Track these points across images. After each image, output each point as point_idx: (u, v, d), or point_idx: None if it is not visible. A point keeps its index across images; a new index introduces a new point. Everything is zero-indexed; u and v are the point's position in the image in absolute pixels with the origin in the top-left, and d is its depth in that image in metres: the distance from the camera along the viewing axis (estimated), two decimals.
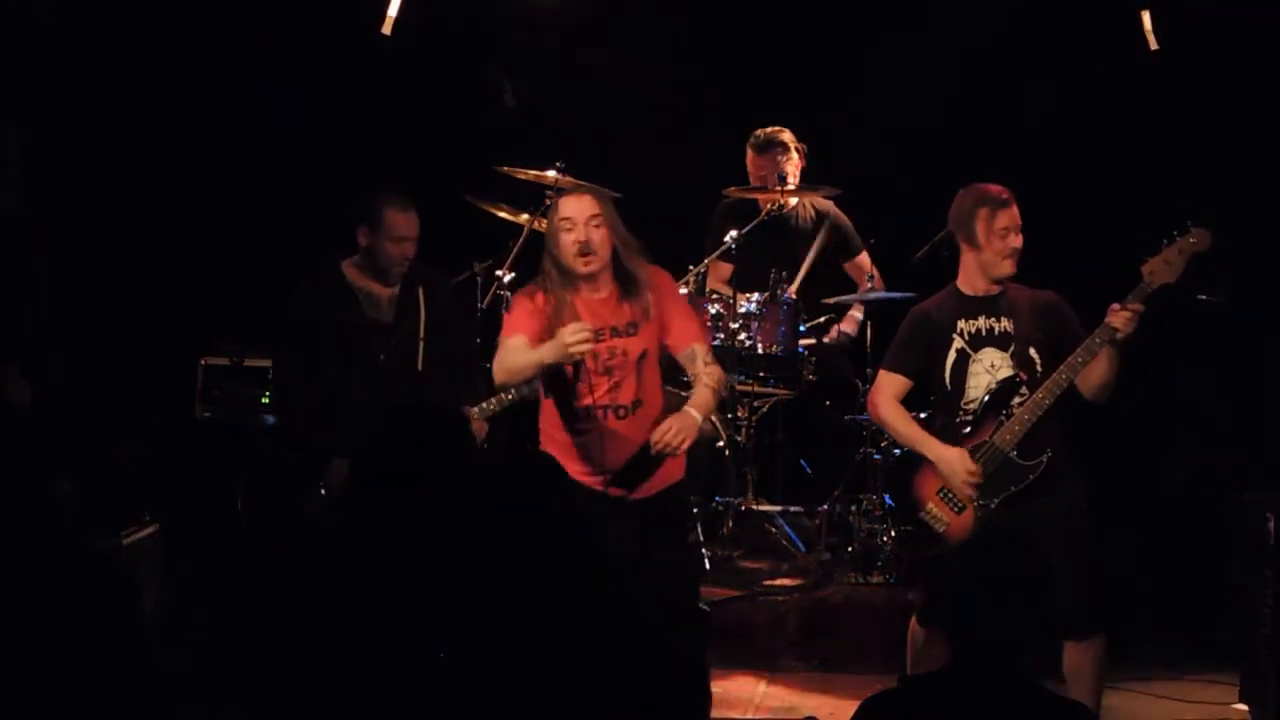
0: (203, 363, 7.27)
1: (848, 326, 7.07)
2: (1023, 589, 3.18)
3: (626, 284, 5.04)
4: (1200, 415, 7.63)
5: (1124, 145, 7.57)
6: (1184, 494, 7.55)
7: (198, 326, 7.37)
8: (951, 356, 5.17)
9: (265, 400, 7.22)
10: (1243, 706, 5.69)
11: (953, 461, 5.09)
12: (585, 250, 4.97)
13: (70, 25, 7.01)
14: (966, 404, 5.15)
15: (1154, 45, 7.11)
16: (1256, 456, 5.67)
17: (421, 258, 5.79)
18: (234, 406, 7.21)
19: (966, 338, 5.16)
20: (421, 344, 5.71)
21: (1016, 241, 5.15)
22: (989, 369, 5.13)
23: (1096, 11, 7.35)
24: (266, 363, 7.25)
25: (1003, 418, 5.07)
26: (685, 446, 4.96)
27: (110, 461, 6.48)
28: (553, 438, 5.13)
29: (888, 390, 5.27)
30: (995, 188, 5.20)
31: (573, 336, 4.85)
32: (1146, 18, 7.07)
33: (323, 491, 5.57)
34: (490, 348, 6.78)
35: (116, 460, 6.50)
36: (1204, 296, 7.27)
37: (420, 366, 5.70)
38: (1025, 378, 5.09)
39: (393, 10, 7.10)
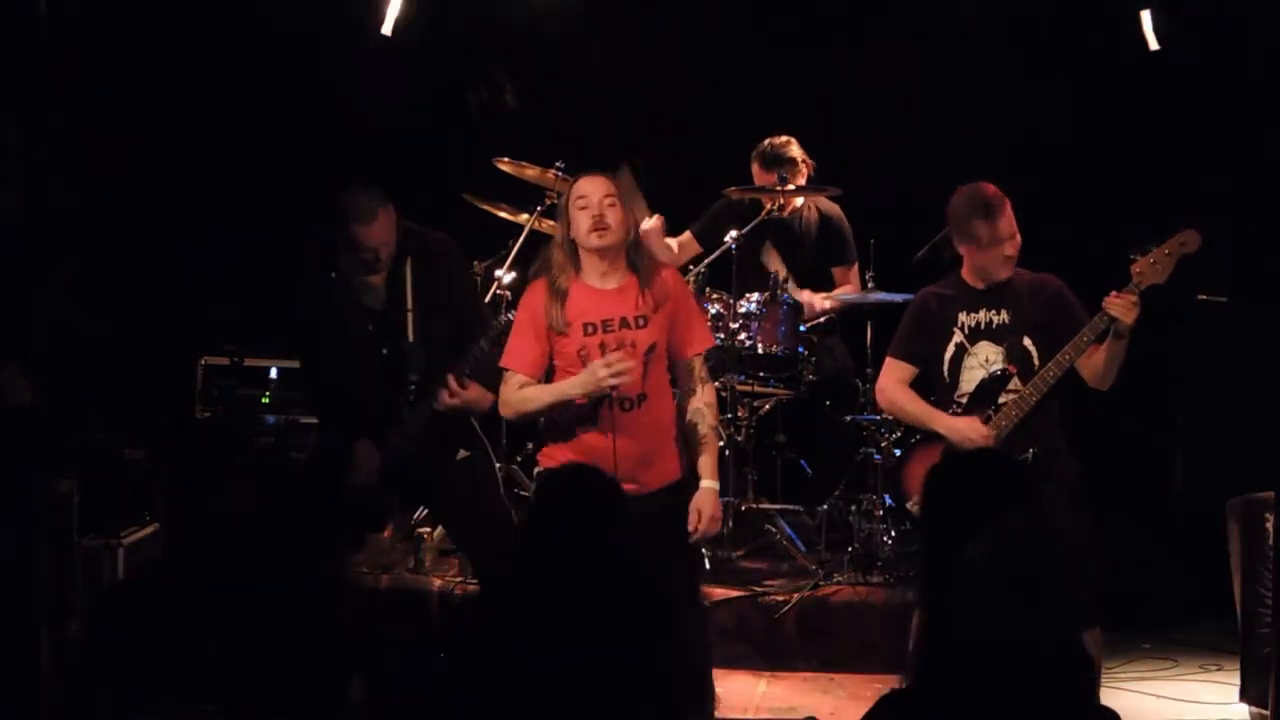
0: (203, 363, 7.28)
1: (828, 303, 7.05)
2: (1041, 588, 3.15)
3: (638, 274, 5.02)
4: (1200, 415, 7.62)
5: (1125, 143, 7.58)
6: (1184, 494, 7.55)
7: (198, 326, 7.37)
8: (950, 350, 5.23)
9: (265, 400, 7.23)
10: (1243, 706, 5.69)
11: (964, 430, 5.12)
12: (599, 224, 4.94)
13: (70, 20, 7.00)
14: (959, 396, 5.19)
15: (1154, 45, 7.12)
16: (1256, 456, 5.66)
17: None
18: (234, 406, 7.21)
19: (966, 331, 5.22)
20: (409, 315, 5.49)
21: (1010, 250, 5.19)
22: (983, 364, 5.18)
23: (1096, 10, 7.35)
24: (266, 362, 7.27)
25: (990, 411, 5.10)
26: (718, 527, 5.15)
27: (110, 461, 6.48)
28: (557, 433, 5.12)
29: (894, 376, 5.34)
30: (987, 193, 5.20)
31: (606, 370, 4.88)
32: (1146, 17, 7.08)
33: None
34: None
35: (116, 460, 6.50)
36: (1204, 296, 7.29)
37: (411, 338, 5.47)
38: (1015, 370, 5.12)
39: (393, 10, 7.11)
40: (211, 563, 3.84)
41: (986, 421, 5.10)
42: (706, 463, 5.05)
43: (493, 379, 5.25)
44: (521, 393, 5.04)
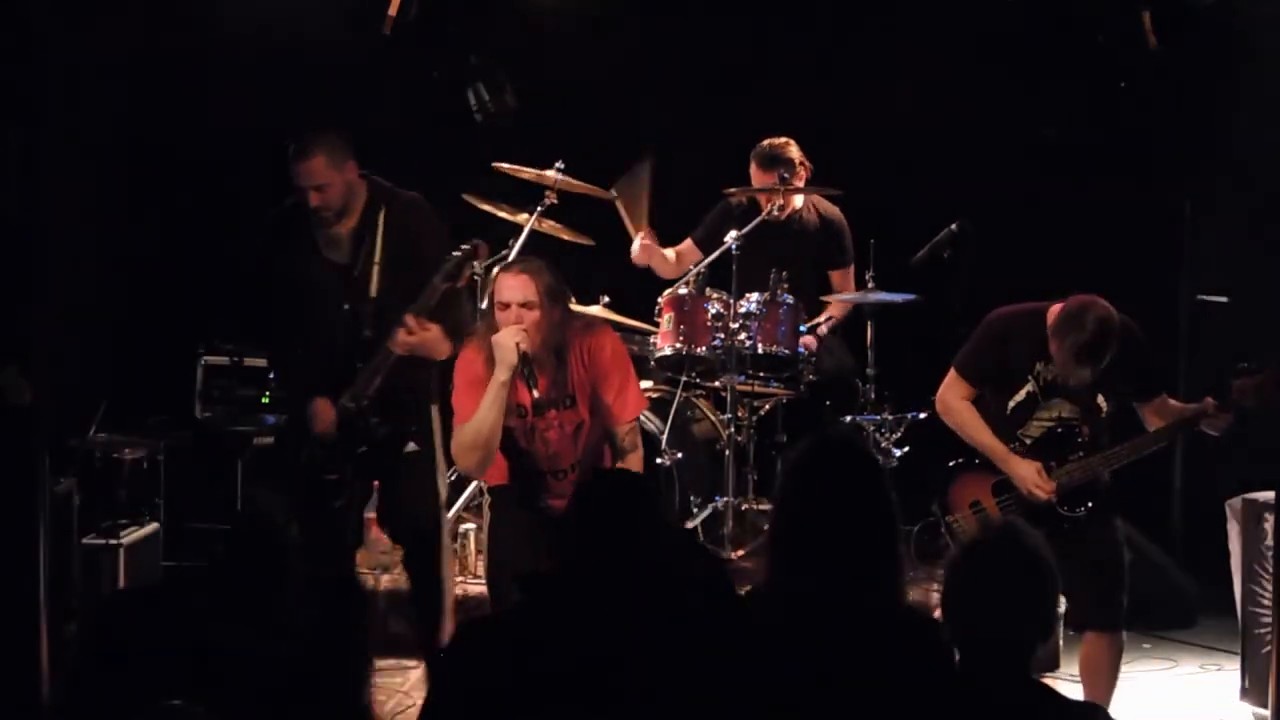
0: (203, 363, 7.27)
1: (834, 311, 7.06)
2: (1023, 590, 3.17)
3: (564, 358, 5.15)
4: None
5: (1124, 142, 7.58)
6: (1184, 494, 7.54)
7: (198, 326, 7.37)
8: (1021, 395, 5.21)
9: (265, 400, 7.22)
10: (1243, 706, 5.69)
11: (1030, 479, 5.15)
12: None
13: (68, 22, 7.01)
14: (1023, 435, 5.21)
15: (1153, 44, 7.12)
16: (1256, 456, 5.66)
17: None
18: (234, 406, 7.21)
19: (1042, 383, 5.18)
20: (376, 268, 5.33)
21: (1093, 377, 5.07)
22: (1056, 419, 5.18)
23: (1096, 9, 7.35)
24: (266, 362, 7.26)
25: (1053, 463, 5.12)
26: None
27: (110, 461, 6.48)
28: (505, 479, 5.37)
29: (960, 392, 5.31)
30: (1097, 336, 4.95)
31: (507, 343, 4.99)
32: (1146, 18, 7.08)
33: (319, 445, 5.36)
34: None
35: (116, 460, 6.50)
36: (1204, 296, 7.29)
37: (374, 293, 5.30)
38: (1088, 431, 5.14)
39: (392, 10, 7.11)
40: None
41: (1049, 472, 5.12)
42: None
43: (449, 316, 5.26)
44: (468, 424, 5.11)
